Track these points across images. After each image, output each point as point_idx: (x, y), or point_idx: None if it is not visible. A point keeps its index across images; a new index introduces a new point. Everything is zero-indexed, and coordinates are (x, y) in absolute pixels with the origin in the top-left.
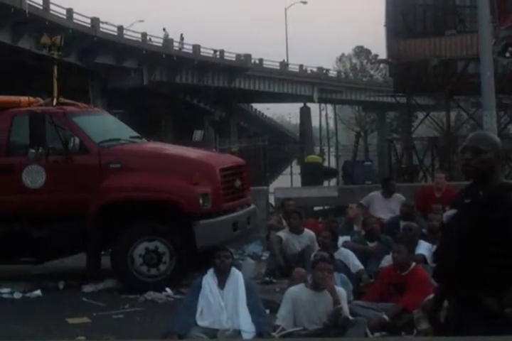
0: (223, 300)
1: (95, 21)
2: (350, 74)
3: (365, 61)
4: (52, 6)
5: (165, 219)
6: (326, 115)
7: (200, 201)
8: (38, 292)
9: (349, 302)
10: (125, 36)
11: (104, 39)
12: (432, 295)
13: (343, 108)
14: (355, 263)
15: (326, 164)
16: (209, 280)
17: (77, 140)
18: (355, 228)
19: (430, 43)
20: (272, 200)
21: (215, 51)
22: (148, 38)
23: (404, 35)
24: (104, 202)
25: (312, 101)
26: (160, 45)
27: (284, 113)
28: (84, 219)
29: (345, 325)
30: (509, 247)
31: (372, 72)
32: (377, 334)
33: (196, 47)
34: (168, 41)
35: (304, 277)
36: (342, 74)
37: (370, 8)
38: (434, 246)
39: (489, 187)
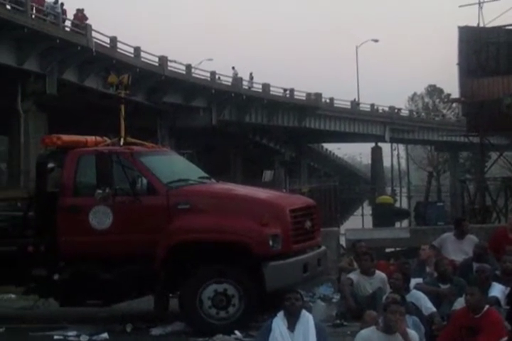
0: None
1: (163, 60)
2: (423, 114)
3: (437, 100)
4: (119, 44)
5: (234, 260)
6: (398, 155)
7: (270, 242)
8: (105, 335)
9: None
10: (194, 75)
11: (172, 78)
12: (505, 338)
13: (415, 148)
14: (427, 305)
15: (397, 205)
16: (279, 322)
17: (144, 180)
18: (428, 270)
19: (503, 82)
20: (342, 242)
21: (285, 90)
22: (217, 76)
23: (477, 73)
24: (173, 243)
25: (384, 140)
26: (229, 83)
27: (355, 153)
28: (152, 261)
29: None
30: None
31: (444, 111)
32: None
33: (266, 86)
34: (237, 80)
35: (376, 320)
36: (414, 113)
37: (442, 46)
38: (508, 288)
39: None
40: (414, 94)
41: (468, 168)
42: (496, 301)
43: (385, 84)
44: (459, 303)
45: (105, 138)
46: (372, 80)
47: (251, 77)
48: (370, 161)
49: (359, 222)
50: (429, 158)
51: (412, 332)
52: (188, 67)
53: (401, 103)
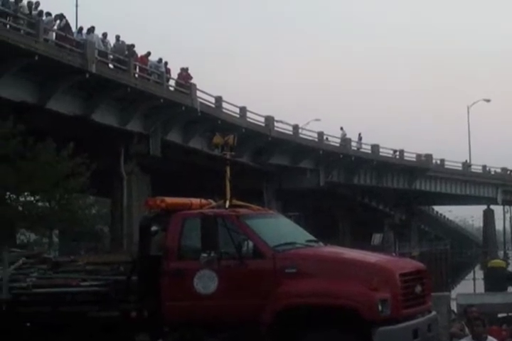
0: None
1: (270, 120)
2: None
3: None
4: (224, 104)
5: (343, 325)
6: (511, 218)
7: (380, 307)
8: None
9: None
10: (301, 135)
11: (278, 138)
12: None
13: None
14: None
15: (510, 269)
16: None
17: (250, 244)
18: None
19: None
20: (453, 307)
21: (395, 151)
22: (324, 137)
23: None
24: (280, 308)
25: (496, 203)
26: (337, 144)
27: (467, 215)
28: (258, 326)
29: None
30: None
31: None
32: None
33: (375, 147)
34: (345, 141)
35: None
36: None
37: None
38: None
39: None
40: None
41: None
42: None
43: (497, 144)
44: None
45: (210, 201)
46: (483, 141)
47: (360, 138)
48: (481, 224)
49: (470, 286)
50: None
51: None
52: (295, 127)
53: None
